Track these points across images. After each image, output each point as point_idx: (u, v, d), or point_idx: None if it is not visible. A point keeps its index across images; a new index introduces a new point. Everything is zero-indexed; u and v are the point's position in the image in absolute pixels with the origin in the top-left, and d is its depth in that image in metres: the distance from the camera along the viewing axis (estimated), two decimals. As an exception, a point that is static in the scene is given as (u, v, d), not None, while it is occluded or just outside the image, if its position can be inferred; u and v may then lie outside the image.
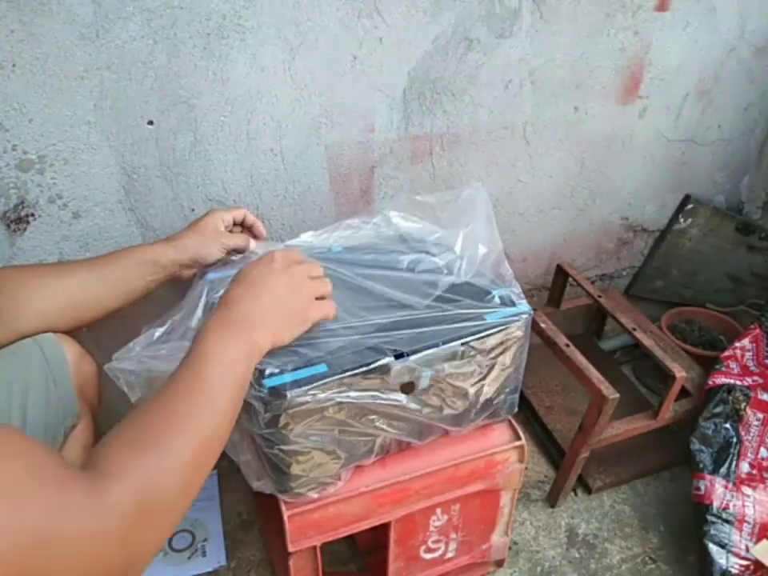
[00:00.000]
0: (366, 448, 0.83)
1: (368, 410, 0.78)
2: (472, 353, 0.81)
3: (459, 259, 0.89)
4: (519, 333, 0.84)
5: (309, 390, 0.72)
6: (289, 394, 0.70)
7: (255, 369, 0.69)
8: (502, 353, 0.84)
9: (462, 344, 0.79)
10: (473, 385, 0.84)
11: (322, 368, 0.73)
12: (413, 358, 0.77)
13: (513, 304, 0.84)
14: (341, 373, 0.73)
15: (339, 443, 0.79)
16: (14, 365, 0.78)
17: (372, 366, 0.75)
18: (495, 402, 0.89)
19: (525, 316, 0.83)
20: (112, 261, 0.86)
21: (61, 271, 0.83)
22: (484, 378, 0.85)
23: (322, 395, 0.73)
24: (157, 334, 0.80)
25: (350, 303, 0.81)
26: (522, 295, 0.87)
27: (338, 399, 0.74)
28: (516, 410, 0.95)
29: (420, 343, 0.78)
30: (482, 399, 0.87)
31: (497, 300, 0.85)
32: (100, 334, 0.98)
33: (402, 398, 0.79)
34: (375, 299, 0.83)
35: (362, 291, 0.84)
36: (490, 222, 0.91)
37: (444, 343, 0.78)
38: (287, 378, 0.71)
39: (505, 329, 0.82)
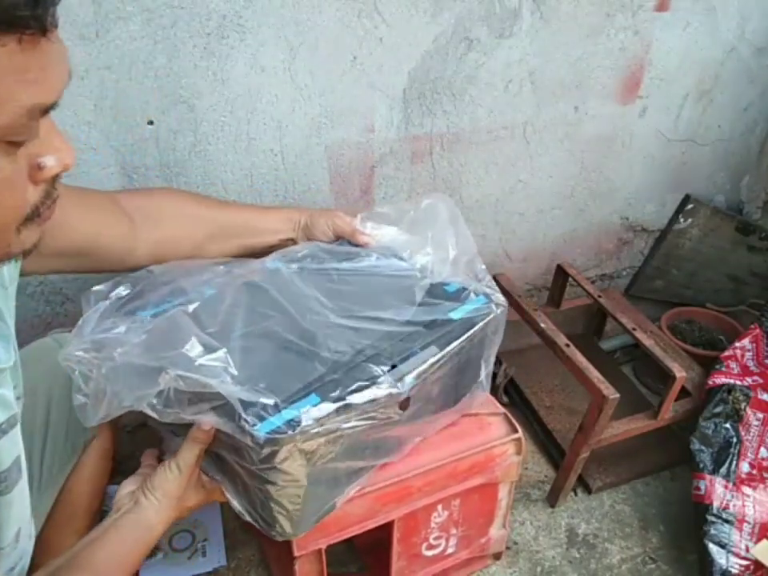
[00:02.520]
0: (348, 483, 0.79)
1: (362, 439, 0.73)
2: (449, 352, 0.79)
3: (431, 262, 0.88)
4: (494, 324, 0.84)
5: (307, 427, 0.65)
6: (286, 436, 0.63)
7: (237, 418, 0.64)
8: (479, 343, 0.84)
9: (440, 349, 0.77)
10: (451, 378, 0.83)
11: (313, 399, 0.67)
12: (404, 368, 0.73)
13: (488, 298, 0.85)
14: (337, 400, 0.67)
15: (334, 475, 0.74)
16: (38, 373, 0.78)
17: (368, 384, 0.70)
18: (467, 387, 0.89)
19: (501, 308, 0.84)
20: (259, 210, 0.97)
21: (219, 207, 0.94)
22: (462, 372, 0.84)
23: (321, 428, 0.66)
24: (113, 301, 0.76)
25: (323, 317, 0.77)
26: (497, 289, 0.88)
27: (339, 428, 0.68)
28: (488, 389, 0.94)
29: (404, 353, 0.75)
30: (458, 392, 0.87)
31: (472, 296, 0.85)
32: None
33: (398, 414, 0.75)
34: (352, 310, 0.79)
35: (336, 296, 0.81)
36: (456, 225, 0.91)
37: (423, 348, 0.76)
38: (277, 420, 0.64)
39: (482, 322, 0.82)
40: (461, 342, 0.79)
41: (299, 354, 0.73)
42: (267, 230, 0.93)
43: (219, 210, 0.92)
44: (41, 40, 0.39)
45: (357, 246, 0.92)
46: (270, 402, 0.65)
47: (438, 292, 0.85)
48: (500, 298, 0.86)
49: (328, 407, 0.67)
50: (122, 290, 0.78)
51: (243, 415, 0.63)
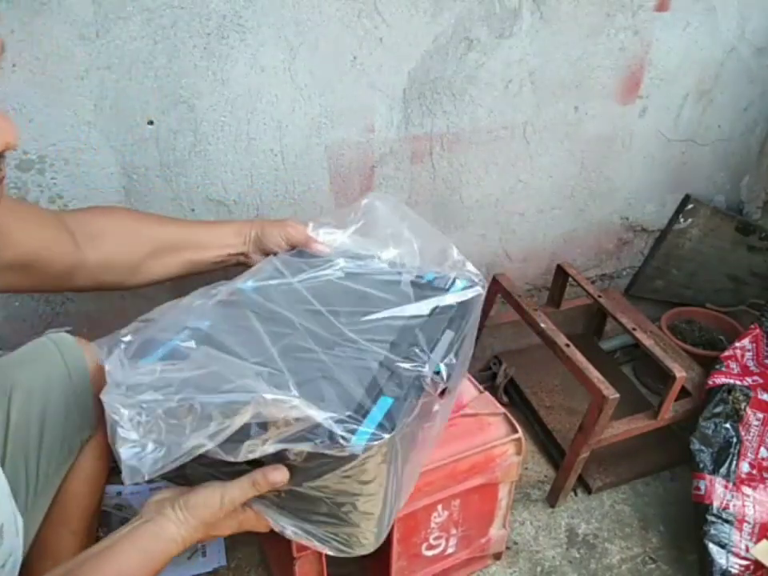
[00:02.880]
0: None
1: (408, 434, 0.72)
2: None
3: (399, 257, 0.90)
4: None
5: (399, 427, 0.64)
6: (382, 441, 0.62)
7: (328, 437, 0.61)
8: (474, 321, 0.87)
9: (455, 332, 0.80)
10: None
11: (386, 400, 0.67)
12: (435, 357, 0.74)
13: (470, 279, 0.88)
14: (405, 398, 0.67)
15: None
16: (35, 373, 0.78)
17: (419, 377, 0.70)
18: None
19: (482, 284, 0.87)
20: (205, 224, 0.95)
21: (161, 223, 0.91)
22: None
23: (404, 427, 0.66)
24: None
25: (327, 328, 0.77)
26: (474, 269, 0.90)
27: (406, 424, 0.67)
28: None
29: (430, 342, 0.76)
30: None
31: (457, 282, 0.87)
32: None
33: (439, 404, 0.77)
34: (356, 315, 0.80)
35: (334, 304, 0.81)
36: (407, 218, 0.91)
37: (442, 334, 0.78)
38: (367, 428, 0.63)
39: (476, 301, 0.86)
40: (467, 322, 0.82)
41: (339, 363, 0.71)
42: (214, 244, 0.91)
43: (161, 226, 0.90)
44: None
45: (313, 254, 0.91)
46: (352, 413, 0.63)
47: (420, 284, 0.87)
48: (479, 275, 0.89)
49: (402, 405, 0.67)
50: (128, 338, 0.74)
51: (339, 433, 0.61)
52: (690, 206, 1.57)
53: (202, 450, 0.62)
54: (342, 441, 0.61)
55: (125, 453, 0.62)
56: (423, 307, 0.82)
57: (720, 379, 1.28)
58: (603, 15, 1.22)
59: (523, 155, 1.33)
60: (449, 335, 0.79)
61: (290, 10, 0.98)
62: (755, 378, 1.30)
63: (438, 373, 0.73)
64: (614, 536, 1.26)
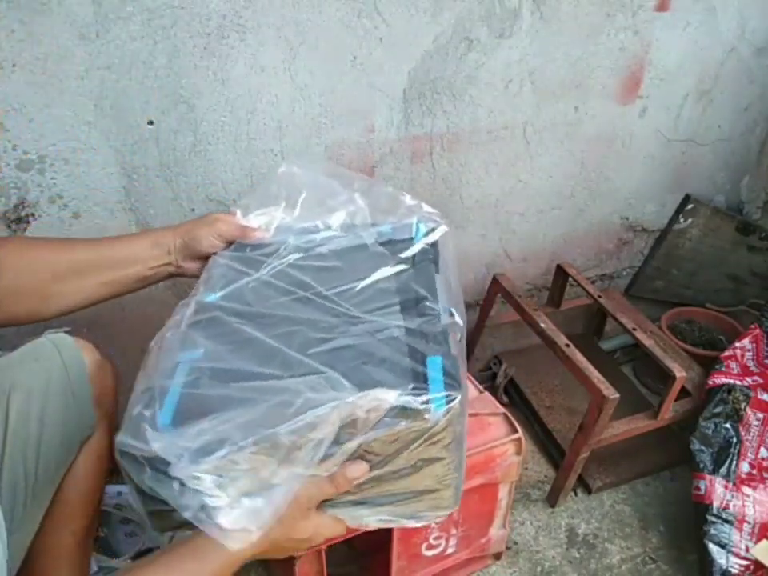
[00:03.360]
0: None
1: None
2: None
3: (349, 219, 0.86)
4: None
5: (462, 377, 0.65)
6: (456, 400, 0.62)
7: (409, 411, 0.61)
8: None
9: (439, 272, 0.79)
10: None
11: (436, 359, 0.66)
12: (443, 304, 0.74)
13: (430, 220, 0.85)
14: (449, 353, 0.68)
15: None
16: (34, 374, 0.78)
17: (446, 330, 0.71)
18: None
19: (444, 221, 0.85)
20: (117, 240, 0.85)
21: (65, 246, 0.83)
22: None
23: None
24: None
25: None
26: (432, 209, 0.86)
27: None
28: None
29: (430, 289, 0.75)
30: None
31: (421, 227, 0.84)
32: (120, 339, 0.98)
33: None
34: (347, 289, 0.77)
35: (321, 284, 0.78)
36: (334, 177, 0.86)
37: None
38: (436, 392, 0.63)
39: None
40: (446, 261, 0.81)
41: (365, 342, 0.69)
42: (130, 260, 0.82)
43: (66, 249, 0.82)
44: None
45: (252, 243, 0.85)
46: (414, 384, 0.63)
47: (386, 239, 0.84)
48: (437, 213, 0.86)
49: (451, 359, 0.66)
50: (148, 412, 0.66)
51: (418, 406, 0.61)
52: (690, 206, 1.57)
53: (303, 479, 0.62)
54: (423, 412, 0.61)
55: (226, 521, 0.59)
56: (404, 260, 0.79)
57: (720, 379, 1.28)
58: (603, 15, 1.22)
59: (523, 155, 1.33)
60: (439, 278, 0.78)
61: (290, 10, 0.98)
62: (755, 377, 1.30)
63: (452, 316, 0.72)
64: (614, 536, 1.26)
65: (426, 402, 0.61)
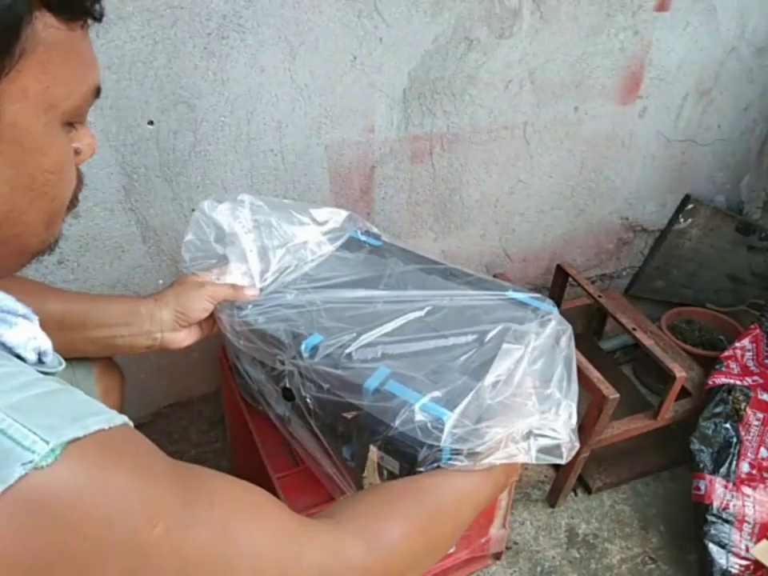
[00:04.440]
0: None
1: None
2: None
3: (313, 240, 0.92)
4: None
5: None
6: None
7: None
8: None
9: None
10: None
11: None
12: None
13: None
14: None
15: None
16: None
17: None
18: None
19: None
20: (101, 300, 0.78)
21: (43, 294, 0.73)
22: None
23: None
24: None
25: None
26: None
27: None
28: None
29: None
30: None
31: None
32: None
33: None
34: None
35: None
36: (275, 208, 0.88)
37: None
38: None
39: None
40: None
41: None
42: (108, 324, 0.75)
43: (46, 299, 0.72)
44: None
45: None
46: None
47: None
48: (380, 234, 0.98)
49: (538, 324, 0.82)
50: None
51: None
52: (690, 206, 1.57)
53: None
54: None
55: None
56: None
57: (720, 379, 1.28)
58: (603, 15, 1.22)
59: (523, 155, 1.33)
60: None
61: (289, 10, 0.98)
62: (755, 377, 1.30)
63: None
64: (614, 536, 1.26)
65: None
